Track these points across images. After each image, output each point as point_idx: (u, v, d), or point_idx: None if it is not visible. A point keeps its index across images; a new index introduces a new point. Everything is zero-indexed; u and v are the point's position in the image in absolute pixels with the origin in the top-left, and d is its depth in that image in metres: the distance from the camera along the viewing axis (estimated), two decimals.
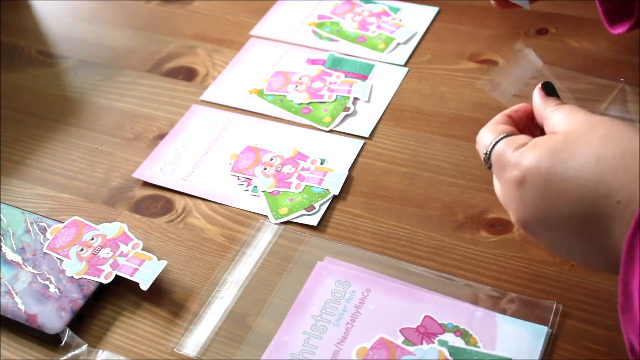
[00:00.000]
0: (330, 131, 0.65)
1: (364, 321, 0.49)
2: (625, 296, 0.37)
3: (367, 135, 0.64)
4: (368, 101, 0.67)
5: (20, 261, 0.55)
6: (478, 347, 0.47)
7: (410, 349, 0.47)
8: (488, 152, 0.46)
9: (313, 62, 0.72)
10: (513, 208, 0.44)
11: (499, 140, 0.45)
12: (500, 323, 0.48)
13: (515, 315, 0.49)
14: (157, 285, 0.53)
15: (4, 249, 0.56)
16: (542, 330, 0.48)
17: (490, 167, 0.47)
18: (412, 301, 0.50)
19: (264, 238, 0.56)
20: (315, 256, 0.54)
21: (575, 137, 0.42)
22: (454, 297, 0.50)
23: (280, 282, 0.53)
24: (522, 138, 0.45)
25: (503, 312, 0.49)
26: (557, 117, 0.45)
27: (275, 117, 0.67)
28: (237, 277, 0.53)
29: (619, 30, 0.66)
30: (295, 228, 0.56)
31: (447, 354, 0.47)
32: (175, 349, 0.50)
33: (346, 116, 0.66)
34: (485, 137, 0.47)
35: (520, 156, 0.43)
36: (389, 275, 0.52)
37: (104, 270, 0.53)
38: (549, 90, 0.47)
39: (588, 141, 0.41)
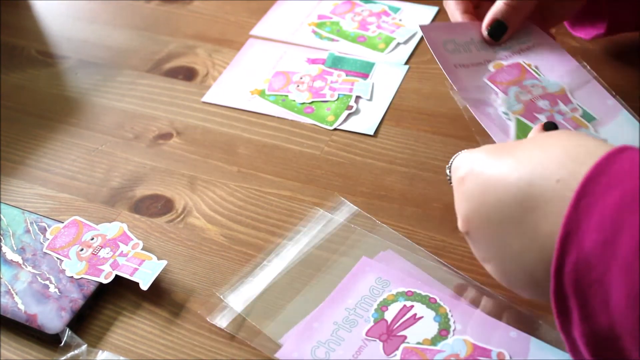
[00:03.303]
0: (335, 130, 0.65)
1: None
2: (570, 342, 0.37)
3: (372, 132, 0.64)
4: (370, 99, 0.67)
5: (20, 261, 0.55)
6: None
7: (438, 346, 0.47)
8: (449, 165, 0.47)
9: (313, 61, 0.72)
10: (458, 209, 0.44)
11: (459, 153, 0.46)
12: (533, 348, 0.47)
13: (549, 341, 0.47)
14: (157, 285, 0.53)
15: (4, 248, 0.56)
16: None
17: (451, 182, 0.47)
18: (447, 312, 0.50)
19: (316, 227, 0.56)
20: (366, 250, 0.54)
21: (525, 140, 0.43)
22: (490, 314, 0.49)
23: (325, 268, 0.53)
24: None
25: (537, 336, 0.48)
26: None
27: (278, 118, 0.67)
28: (287, 254, 0.54)
29: (580, 34, 0.67)
30: (348, 223, 0.56)
31: (472, 340, 0.47)
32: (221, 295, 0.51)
33: (349, 115, 0.66)
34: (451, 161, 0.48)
35: (467, 155, 0.44)
36: (433, 277, 0.52)
37: (103, 270, 0.53)
38: (549, 127, 0.47)
39: (536, 139, 0.41)
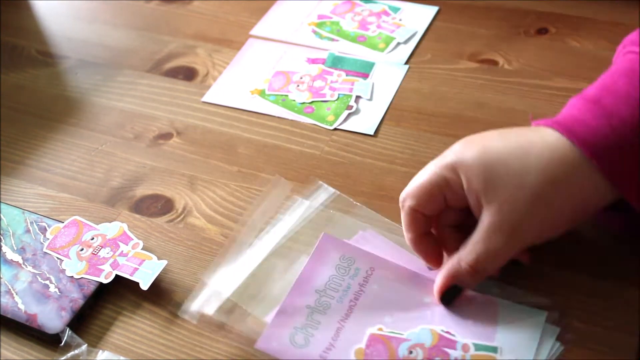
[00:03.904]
0: (335, 129, 0.65)
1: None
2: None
3: (372, 132, 0.64)
4: (370, 99, 0.67)
5: (20, 261, 0.55)
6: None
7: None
8: None
9: (313, 61, 0.72)
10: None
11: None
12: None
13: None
14: (157, 285, 0.53)
15: (4, 248, 0.56)
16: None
17: None
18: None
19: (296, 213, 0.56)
20: (344, 231, 0.55)
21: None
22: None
23: (300, 252, 0.53)
24: None
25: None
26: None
27: (278, 118, 0.67)
28: (267, 239, 0.54)
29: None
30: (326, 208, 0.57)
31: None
32: (179, 314, 0.51)
33: (349, 114, 0.66)
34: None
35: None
36: (399, 248, 0.53)
37: (104, 270, 0.53)
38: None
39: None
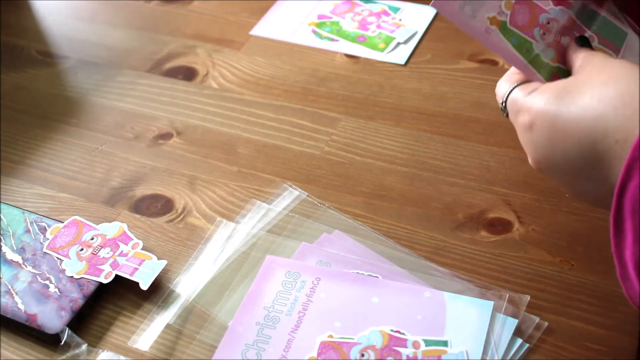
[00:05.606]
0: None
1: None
2: (621, 266, 0.39)
3: None
4: None
5: (20, 261, 0.55)
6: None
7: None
8: (504, 101, 0.47)
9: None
10: (527, 150, 0.45)
11: (514, 88, 0.47)
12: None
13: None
14: (156, 285, 0.53)
15: (4, 248, 0.56)
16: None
17: (507, 115, 0.48)
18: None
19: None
20: (307, 236, 0.55)
21: (582, 79, 0.43)
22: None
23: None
24: (535, 84, 0.46)
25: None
26: (577, 62, 0.46)
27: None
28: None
29: None
30: (268, 233, 0.56)
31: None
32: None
33: None
34: (502, 87, 0.48)
35: (530, 100, 0.44)
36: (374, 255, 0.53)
37: (103, 270, 0.53)
38: (583, 43, 0.48)
39: (592, 83, 0.42)
